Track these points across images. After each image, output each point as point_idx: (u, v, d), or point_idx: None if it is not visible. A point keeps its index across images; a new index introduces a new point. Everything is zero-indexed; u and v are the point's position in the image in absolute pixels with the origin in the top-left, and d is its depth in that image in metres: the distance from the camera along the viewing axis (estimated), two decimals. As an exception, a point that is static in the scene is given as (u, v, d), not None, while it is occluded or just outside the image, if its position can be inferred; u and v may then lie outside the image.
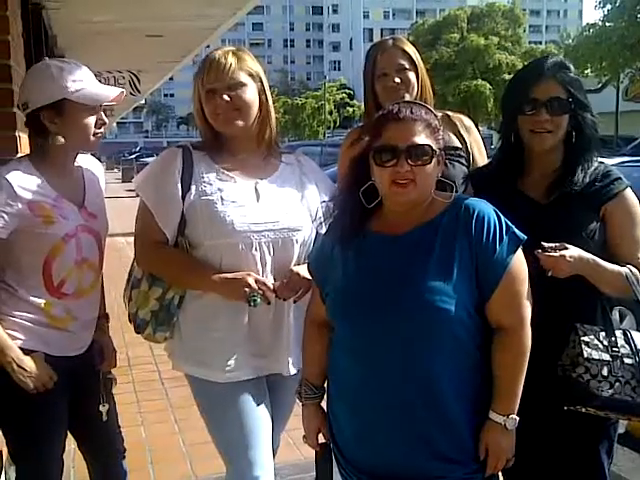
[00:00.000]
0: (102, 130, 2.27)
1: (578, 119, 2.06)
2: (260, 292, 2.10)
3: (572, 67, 2.12)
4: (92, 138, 2.24)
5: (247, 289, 2.09)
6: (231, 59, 2.17)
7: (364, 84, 2.66)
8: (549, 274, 1.91)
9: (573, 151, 2.09)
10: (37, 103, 2.16)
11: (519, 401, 1.82)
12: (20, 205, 2.10)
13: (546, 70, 2.06)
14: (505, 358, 1.80)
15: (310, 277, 2.08)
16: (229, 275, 2.12)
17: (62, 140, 2.20)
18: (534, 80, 2.06)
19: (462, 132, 2.60)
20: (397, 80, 2.51)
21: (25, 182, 2.13)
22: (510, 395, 1.80)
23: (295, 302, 2.21)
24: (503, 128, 2.22)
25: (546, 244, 1.91)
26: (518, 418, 1.80)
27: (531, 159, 2.14)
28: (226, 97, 2.15)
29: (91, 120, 2.21)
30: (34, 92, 2.18)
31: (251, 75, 2.21)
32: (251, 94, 2.20)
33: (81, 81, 2.19)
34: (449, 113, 2.66)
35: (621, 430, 3.49)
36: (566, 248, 1.93)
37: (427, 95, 2.59)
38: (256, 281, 2.10)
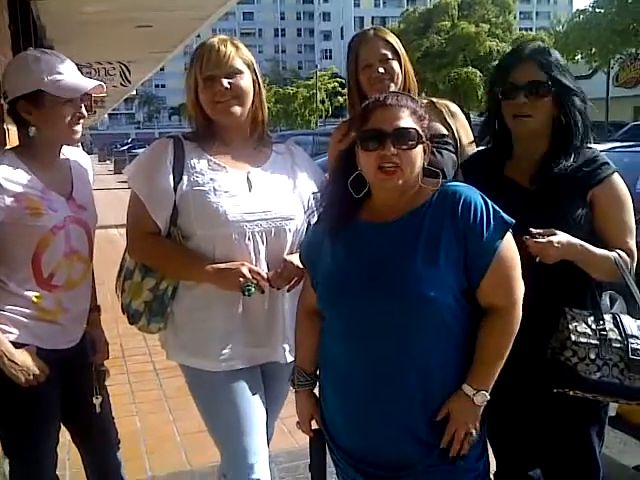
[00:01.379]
0: (80, 123, 2.23)
1: (564, 104, 2.06)
2: (254, 282, 2.10)
3: (556, 53, 2.12)
4: (68, 131, 2.20)
5: (241, 279, 2.09)
6: (230, 47, 2.18)
7: (347, 76, 2.64)
8: (537, 260, 1.92)
9: (559, 137, 2.09)
10: (13, 93, 2.15)
11: (504, 384, 1.83)
12: (6, 198, 2.08)
13: (525, 55, 2.08)
14: (491, 337, 1.80)
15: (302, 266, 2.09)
16: (222, 265, 2.12)
17: (38, 131, 2.18)
18: (513, 65, 2.09)
19: (448, 119, 2.58)
20: (381, 70, 2.49)
21: (11, 175, 2.11)
22: (488, 373, 1.81)
23: (289, 291, 2.22)
24: (486, 115, 2.24)
25: (534, 230, 1.92)
26: (488, 396, 1.80)
27: (518, 145, 2.15)
28: (226, 84, 2.16)
29: (66, 112, 2.17)
30: (11, 82, 2.17)
31: (247, 64, 2.22)
32: (247, 82, 2.21)
33: (58, 72, 2.16)
34: (434, 100, 2.65)
35: (612, 413, 3.52)
36: (554, 234, 1.94)
37: (411, 84, 2.57)
38: (250, 270, 2.11)
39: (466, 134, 2.61)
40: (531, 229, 1.91)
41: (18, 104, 2.15)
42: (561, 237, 1.94)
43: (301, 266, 2.10)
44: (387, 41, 2.53)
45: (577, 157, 2.07)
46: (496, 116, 2.16)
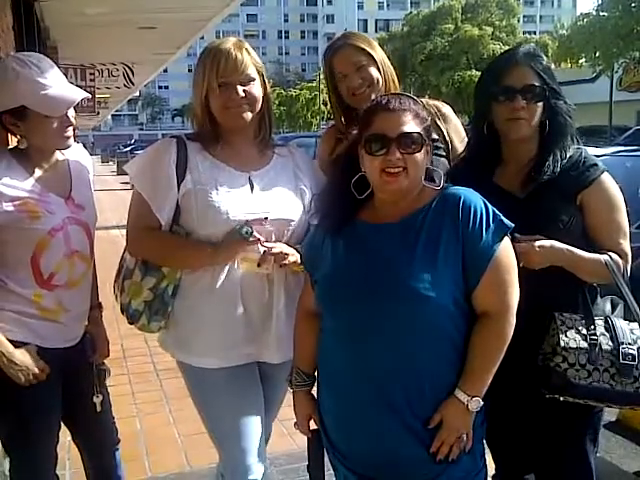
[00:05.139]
0: (69, 130, 2.19)
1: (552, 107, 2.07)
2: (245, 225, 2.11)
3: (543, 56, 2.12)
4: (58, 138, 2.18)
5: (237, 227, 2.10)
6: (245, 53, 2.19)
7: (326, 87, 2.59)
8: (521, 265, 1.89)
9: (547, 139, 2.08)
10: None
11: (497, 389, 1.82)
12: (4, 203, 2.08)
13: (519, 58, 2.07)
14: (485, 343, 1.79)
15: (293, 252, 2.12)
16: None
17: (28, 140, 2.15)
18: (508, 68, 2.06)
19: (438, 122, 2.48)
20: (359, 80, 2.42)
21: (8, 178, 2.10)
22: (481, 379, 1.80)
23: (281, 267, 2.20)
24: (475, 118, 2.21)
25: (518, 235, 1.91)
26: (482, 402, 1.79)
27: (507, 149, 2.14)
28: (241, 91, 2.17)
29: (53, 123, 2.14)
30: None
31: (258, 70, 2.23)
32: (259, 89, 2.23)
33: (41, 86, 2.09)
34: (423, 101, 2.58)
35: (612, 418, 3.52)
36: (537, 239, 1.94)
37: (392, 85, 2.48)
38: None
39: (458, 137, 2.52)
40: (515, 235, 1.90)
41: (3, 117, 2.13)
42: (544, 242, 1.94)
43: (290, 251, 2.14)
44: (358, 47, 2.44)
45: (565, 160, 2.06)
46: (485, 120, 2.13)
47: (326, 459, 2.07)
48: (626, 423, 3.70)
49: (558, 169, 2.04)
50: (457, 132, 2.53)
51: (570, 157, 2.08)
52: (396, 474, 1.85)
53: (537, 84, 2.04)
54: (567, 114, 2.09)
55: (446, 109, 2.54)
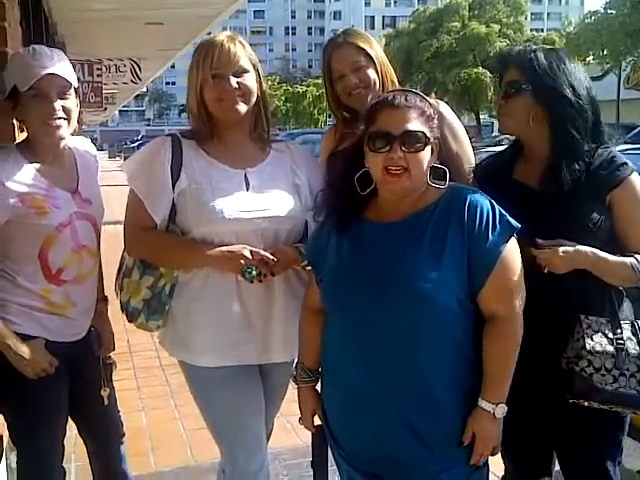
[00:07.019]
0: (57, 122, 2.14)
1: (549, 105, 1.99)
2: (254, 264, 2.09)
3: (542, 55, 2.03)
4: (43, 126, 2.14)
5: (242, 261, 2.08)
6: (238, 45, 2.18)
7: (323, 84, 2.54)
8: (545, 271, 1.87)
9: (557, 138, 2.01)
10: (5, 91, 2.17)
11: (518, 391, 1.82)
12: (10, 199, 2.08)
13: (508, 59, 2.09)
14: (496, 347, 1.79)
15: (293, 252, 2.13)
16: (224, 248, 2.11)
17: (25, 130, 2.17)
18: (501, 70, 2.10)
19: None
20: (355, 81, 2.36)
21: (14, 174, 2.11)
22: (500, 384, 1.80)
23: (273, 276, 2.15)
24: None
25: (540, 241, 1.88)
26: (507, 407, 1.80)
27: (524, 147, 2.12)
28: (234, 83, 2.15)
29: (39, 110, 2.11)
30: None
31: (252, 63, 2.21)
32: (253, 82, 2.21)
33: (27, 61, 2.10)
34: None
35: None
36: (560, 244, 1.88)
37: (390, 86, 2.39)
38: (251, 252, 2.09)
39: (453, 136, 2.35)
40: (537, 240, 1.87)
41: (6, 103, 2.16)
42: (567, 247, 1.88)
43: (291, 252, 2.13)
44: (358, 47, 2.38)
45: (590, 159, 1.98)
46: None
47: (330, 455, 2.07)
48: (638, 426, 3.67)
49: (581, 167, 1.96)
50: (452, 131, 2.37)
51: (599, 155, 2.00)
52: (398, 471, 1.85)
53: (516, 79, 2.02)
54: (570, 111, 1.97)
55: (442, 107, 2.41)
